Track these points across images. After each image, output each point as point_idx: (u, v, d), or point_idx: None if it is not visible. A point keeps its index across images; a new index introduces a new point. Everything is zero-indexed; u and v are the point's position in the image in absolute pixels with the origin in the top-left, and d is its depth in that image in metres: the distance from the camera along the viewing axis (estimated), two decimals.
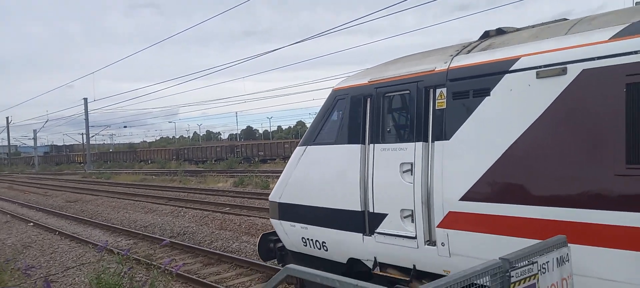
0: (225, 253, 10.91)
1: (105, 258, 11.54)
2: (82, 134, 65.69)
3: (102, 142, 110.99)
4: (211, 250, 11.36)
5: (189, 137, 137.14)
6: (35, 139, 73.50)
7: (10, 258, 8.14)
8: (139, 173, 42.73)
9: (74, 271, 10.93)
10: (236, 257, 10.51)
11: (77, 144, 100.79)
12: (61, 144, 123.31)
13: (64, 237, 14.99)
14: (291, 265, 3.85)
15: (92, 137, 57.81)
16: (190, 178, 33.40)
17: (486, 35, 5.31)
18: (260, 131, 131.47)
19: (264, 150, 52.44)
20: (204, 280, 8.96)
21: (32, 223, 18.10)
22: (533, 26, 5.02)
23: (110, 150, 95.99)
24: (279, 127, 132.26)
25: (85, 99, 50.09)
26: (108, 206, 21.58)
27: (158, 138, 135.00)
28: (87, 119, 51.04)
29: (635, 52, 3.60)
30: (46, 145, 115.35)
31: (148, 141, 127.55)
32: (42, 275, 10.09)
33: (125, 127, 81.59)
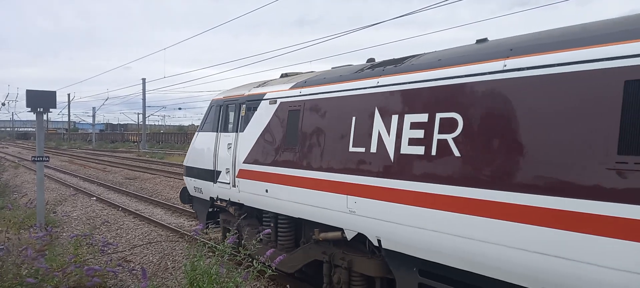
0: None
1: (174, 243, 11.39)
2: (138, 114, 67.63)
3: (154, 123, 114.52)
4: None
5: None
6: (93, 116, 76.44)
7: (88, 233, 8.01)
8: None
9: (141, 249, 10.83)
10: None
11: (131, 124, 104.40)
12: (116, 122, 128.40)
13: (127, 213, 15.09)
14: None
15: (147, 117, 59.37)
16: None
17: (282, 75, 8.81)
18: None
19: None
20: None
21: (95, 198, 18.45)
22: (309, 72, 8.38)
23: (162, 131, 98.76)
24: None
25: (144, 80, 51.17)
26: (166, 185, 21.79)
27: None
28: (144, 99, 52.20)
29: (288, 97, 7.27)
30: (102, 123, 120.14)
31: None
32: (109, 252, 10.00)
33: (180, 109, 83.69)
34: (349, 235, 5.94)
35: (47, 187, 20.33)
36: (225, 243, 5.88)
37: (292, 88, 7.29)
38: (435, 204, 4.68)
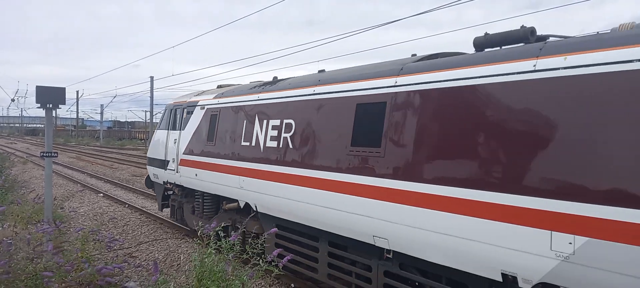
0: None
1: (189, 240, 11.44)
2: (146, 112, 67.79)
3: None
4: None
5: None
6: (101, 113, 76.81)
7: (95, 229, 8.06)
8: None
9: (147, 246, 10.89)
10: None
11: (138, 121, 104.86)
12: (123, 120, 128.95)
13: (133, 210, 15.17)
14: None
15: (155, 115, 59.58)
16: None
17: (218, 86, 11.13)
18: None
19: None
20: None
21: (102, 194, 18.56)
22: (237, 85, 10.46)
23: None
24: None
25: (152, 77, 51.22)
26: None
27: None
28: (151, 97, 52.33)
29: (211, 104, 9.71)
30: (110, 120, 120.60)
31: None
32: (115, 248, 10.05)
33: None
34: (242, 205, 8.40)
35: (54, 183, 20.46)
36: (228, 241, 5.96)
37: (214, 97, 9.74)
38: (281, 180, 7.07)
